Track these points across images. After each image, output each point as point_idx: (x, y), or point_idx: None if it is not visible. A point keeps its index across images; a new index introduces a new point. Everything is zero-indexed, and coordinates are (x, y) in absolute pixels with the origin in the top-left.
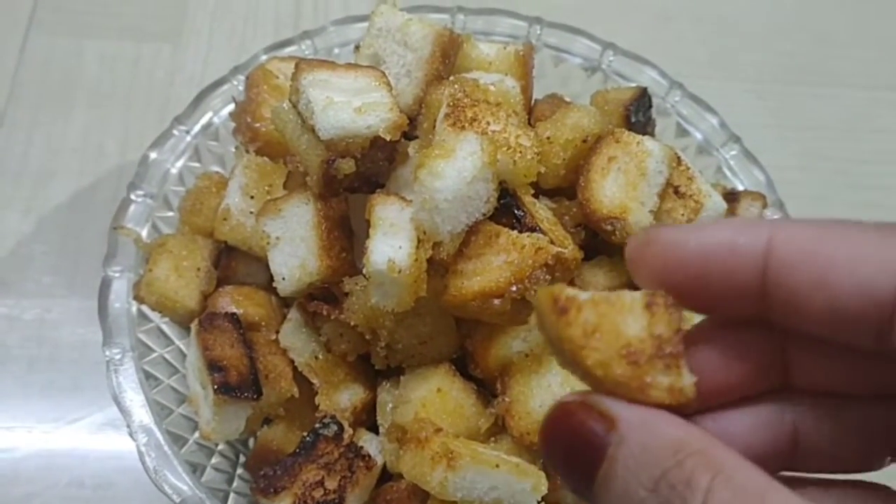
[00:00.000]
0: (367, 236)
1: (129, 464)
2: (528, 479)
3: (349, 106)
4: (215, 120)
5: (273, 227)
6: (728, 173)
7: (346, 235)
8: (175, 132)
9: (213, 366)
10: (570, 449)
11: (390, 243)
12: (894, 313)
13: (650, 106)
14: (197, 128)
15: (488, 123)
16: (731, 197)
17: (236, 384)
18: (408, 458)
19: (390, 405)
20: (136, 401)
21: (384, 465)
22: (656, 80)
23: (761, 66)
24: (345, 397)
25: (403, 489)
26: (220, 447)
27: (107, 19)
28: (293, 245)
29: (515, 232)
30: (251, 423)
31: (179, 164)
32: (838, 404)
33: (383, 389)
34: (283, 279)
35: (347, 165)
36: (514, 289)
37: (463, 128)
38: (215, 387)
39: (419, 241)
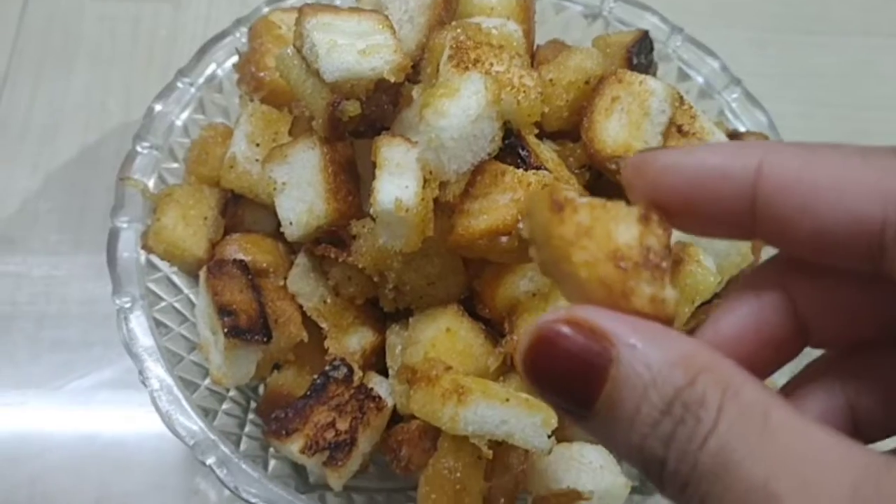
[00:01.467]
0: (374, 179)
1: (140, 419)
2: (539, 413)
3: (353, 48)
4: (219, 72)
5: (279, 173)
6: (730, 116)
7: (352, 179)
8: (179, 84)
9: (223, 310)
10: (565, 373)
11: (397, 183)
12: (883, 237)
13: (651, 49)
14: (201, 80)
15: (491, 64)
16: (734, 138)
17: (246, 327)
18: (418, 396)
19: (399, 347)
20: (147, 348)
21: (394, 408)
22: (657, 26)
23: (762, 15)
24: (354, 341)
25: (414, 429)
26: (231, 393)
27: None
28: (300, 190)
29: (521, 170)
30: (261, 369)
31: (184, 116)
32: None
33: (392, 332)
34: (291, 224)
35: (353, 107)
36: (521, 226)
37: (466, 69)
38: (226, 330)
39: (425, 180)
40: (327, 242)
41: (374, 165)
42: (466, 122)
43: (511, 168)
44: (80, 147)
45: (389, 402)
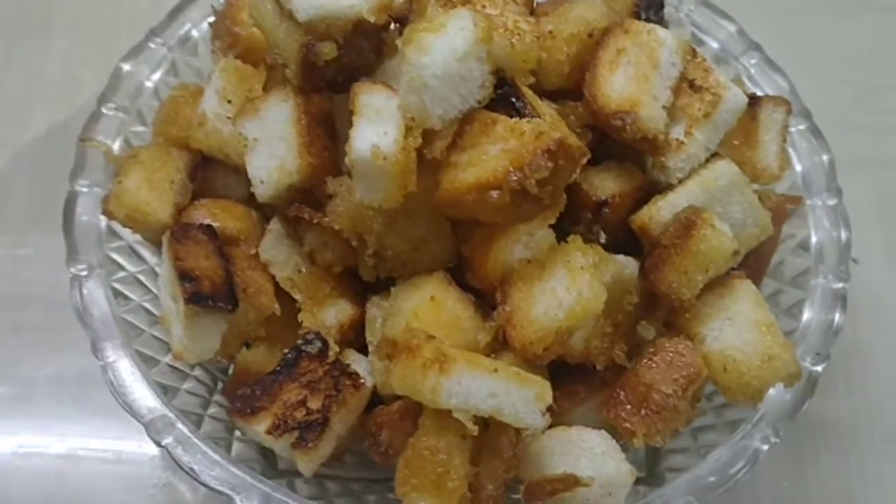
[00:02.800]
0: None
1: (109, 414)
2: (531, 386)
3: None
4: (194, 33)
5: (251, 129)
6: (748, 83)
7: (328, 134)
8: (151, 45)
9: (185, 276)
10: None
11: (375, 129)
12: None
13: (662, 6)
14: (173, 40)
15: (483, 6)
16: (752, 102)
17: (209, 293)
18: (398, 369)
19: (380, 320)
20: (101, 317)
21: (374, 389)
22: None
23: None
24: (331, 314)
25: (395, 411)
26: (196, 373)
27: None
28: (271, 146)
29: (514, 119)
30: (229, 347)
31: (155, 77)
32: None
33: (373, 304)
34: (262, 182)
35: (329, 49)
36: (513, 177)
37: (455, 7)
38: (186, 297)
39: (407, 128)
40: (301, 203)
41: (351, 115)
42: (452, 59)
43: (503, 117)
44: (51, 124)
45: (368, 382)
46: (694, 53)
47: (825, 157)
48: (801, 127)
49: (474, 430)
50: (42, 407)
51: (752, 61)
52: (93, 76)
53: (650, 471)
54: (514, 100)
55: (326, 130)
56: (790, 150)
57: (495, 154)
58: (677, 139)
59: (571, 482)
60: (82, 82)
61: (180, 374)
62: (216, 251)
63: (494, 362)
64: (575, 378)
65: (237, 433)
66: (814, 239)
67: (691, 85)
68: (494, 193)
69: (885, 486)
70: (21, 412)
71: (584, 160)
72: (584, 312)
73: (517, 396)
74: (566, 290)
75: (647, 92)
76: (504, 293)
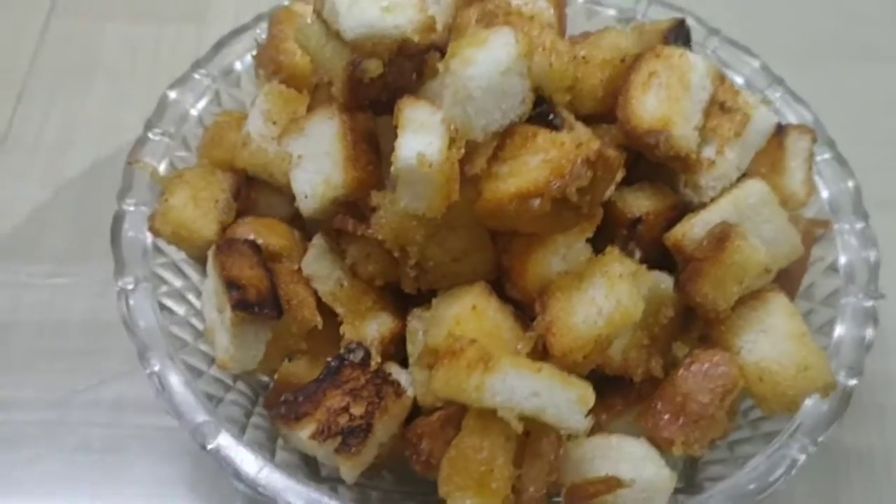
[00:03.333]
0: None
1: (140, 429)
2: (574, 388)
3: (376, 4)
4: (237, 65)
5: (296, 146)
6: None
7: (373, 150)
8: (195, 76)
9: (231, 284)
10: None
11: (420, 140)
12: None
13: (689, 38)
14: (217, 71)
15: (524, 27)
16: (779, 130)
17: (255, 301)
18: (441, 373)
19: (421, 333)
20: (148, 328)
21: (415, 403)
22: (694, 27)
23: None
24: (372, 327)
25: (435, 420)
26: (238, 386)
27: (128, 4)
28: (316, 161)
29: (554, 132)
30: (271, 361)
31: (200, 105)
32: None
33: (413, 317)
34: (306, 197)
35: (374, 66)
36: (554, 185)
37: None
38: (233, 304)
39: (451, 140)
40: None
41: (395, 130)
42: (495, 72)
43: (543, 130)
44: (93, 161)
45: (409, 392)
46: (723, 79)
47: (850, 184)
48: (826, 156)
49: (519, 427)
50: (77, 430)
51: (777, 94)
52: (133, 117)
53: (688, 481)
54: (551, 117)
55: (371, 147)
56: (816, 178)
57: (536, 165)
58: (709, 158)
59: (613, 484)
60: (122, 123)
61: (223, 385)
62: (260, 263)
63: (538, 363)
64: (613, 391)
65: (280, 443)
66: (843, 260)
67: (721, 107)
68: (535, 202)
69: None
70: (56, 436)
71: (621, 172)
72: (623, 320)
73: (560, 397)
74: (605, 298)
75: (678, 113)
76: (543, 304)
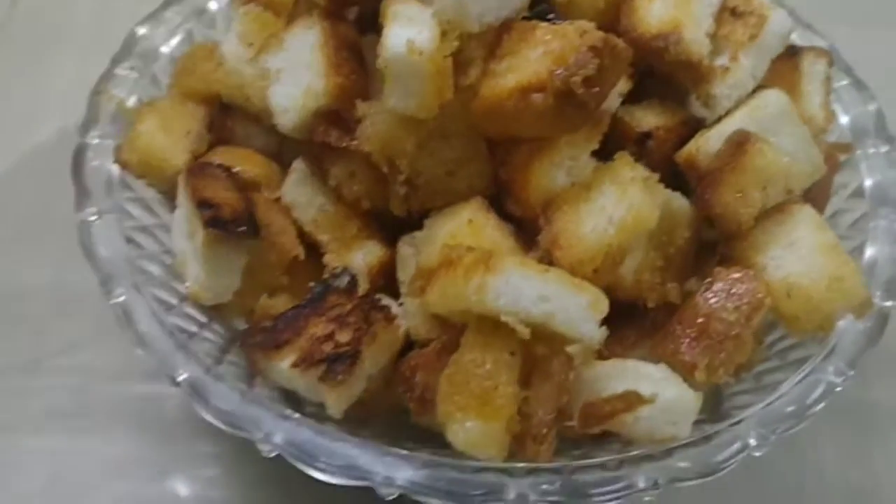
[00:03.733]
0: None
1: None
2: (585, 293)
3: None
4: (212, 5)
5: (275, 61)
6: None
7: (357, 61)
8: (167, 13)
9: (204, 203)
10: None
11: (409, 30)
12: None
13: None
14: (190, 9)
15: None
16: (792, 51)
17: (230, 218)
18: (436, 286)
19: (413, 258)
20: (111, 258)
21: (407, 337)
22: None
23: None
24: (358, 257)
25: (431, 351)
26: (213, 326)
27: None
28: (297, 74)
29: (554, 23)
30: (249, 298)
31: (172, 43)
32: None
33: (404, 243)
34: (286, 110)
35: None
36: (557, 73)
37: None
38: (205, 221)
39: (443, 33)
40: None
41: (380, 27)
42: None
43: (543, 23)
44: (60, 131)
45: (401, 324)
46: None
47: (871, 107)
48: (845, 82)
49: (526, 333)
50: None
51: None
52: None
53: (713, 414)
54: (551, 16)
55: (354, 57)
56: (835, 105)
57: (537, 57)
58: (722, 65)
59: (633, 400)
60: None
61: (196, 322)
62: (235, 186)
63: (544, 265)
64: (625, 323)
65: (257, 381)
66: (868, 183)
67: (733, 12)
68: (538, 96)
69: None
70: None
71: (629, 84)
72: (636, 224)
73: (570, 302)
74: (616, 204)
75: (687, 14)
76: (548, 217)
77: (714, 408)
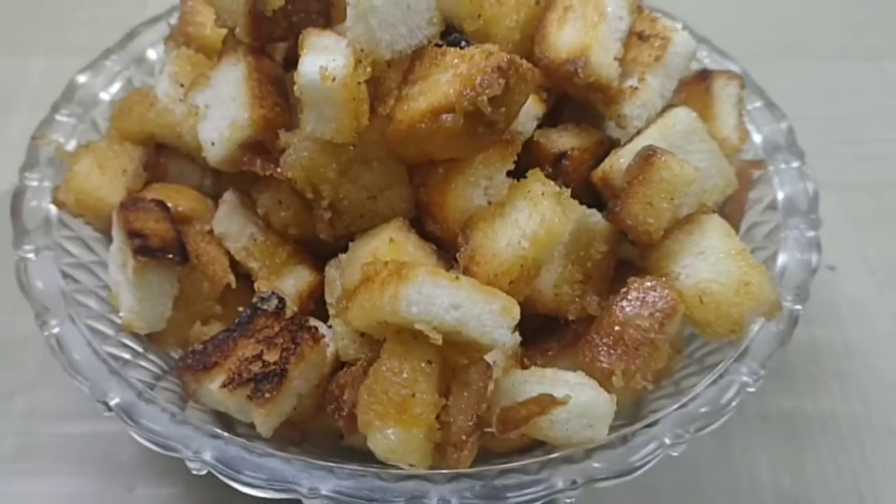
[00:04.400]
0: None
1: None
2: (496, 299)
3: None
4: (150, 54)
5: (202, 97)
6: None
7: (280, 94)
8: (106, 62)
9: (134, 234)
10: None
11: (323, 57)
12: None
13: None
14: (129, 58)
15: None
16: (704, 75)
17: (158, 247)
18: (356, 302)
19: (339, 281)
20: (46, 290)
21: (338, 359)
22: None
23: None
24: (289, 282)
25: (358, 368)
26: (149, 355)
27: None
28: (223, 108)
29: (463, 48)
30: (183, 328)
31: (112, 90)
32: None
33: (331, 266)
34: (213, 144)
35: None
36: (466, 94)
37: None
38: (134, 249)
39: (357, 61)
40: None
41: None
42: None
43: (452, 49)
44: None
45: (330, 345)
46: (640, 9)
47: (783, 125)
48: (757, 104)
49: (439, 339)
50: None
51: (704, 53)
52: None
53: (633, 419)
54: (463, 44)
55: (278, 91)
56: (749, 126)
57: (447, 80)
58: (631, 86)
59: (547, 403)
60: None
61: (132, 352)
62: (167, 219)
63: (456, 274)
64: (548, 336)
65: (190, 405)
66: (780, 196)
67: (640, 36)
68: (448, 117)
69: (893, 478)
70: None
71: (543, 108)
72: (548, 237)
73: (482, 308)
74: (528, 217)
75: (596, 40)
76: (466, 236)
77: (636, 414)
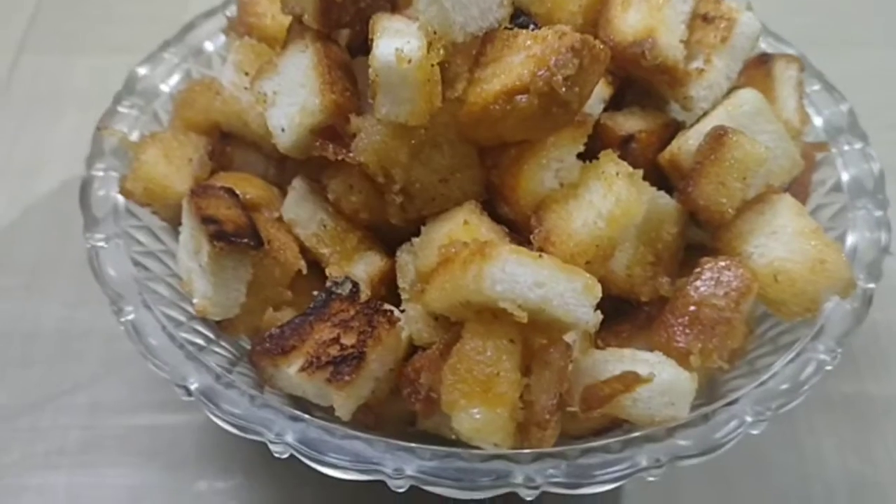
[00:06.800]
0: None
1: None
2: (578, 277)
3: None
4: (208, 46)
5: (270, 85)
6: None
7: (349, 80)
8: (165, 54)
9: (208, 220)
10: None
11: (397, 41)
12: None
13: None
14: (187, 50)
15: None
16: (764, 58)
17: (234, 232)
18: (436, 283)
19: (412, 265)
20: (120, 278)
21: (411, 344)
22: None
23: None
24: (359, 268)
25: (434, 351)
26: (222, 342)
27: (100, 39)
28: (292, 94)
29: (534, 29)
30: (254, 316)
31: (171, 82)
32: None
33: (403, 251)
34: (283, 130)
35: None
36: (540, 74)
37: None
38: (210, 235)
39: (430, 44)
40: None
41: (370, 43)
42: None
43: (523, 31)
44: (63, 181)
45: (404, 333)
46: None
47: (843, 107)
48: (816, 87)
49: (524, 317)
50: (48, 437)
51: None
52: None
53: (709, 399)
54: (531, 27)
55: (347, 76)
56: (809, 109)
57: (520, 61)
58: (697, 68)
59: (631, 380)
60: None
61: (205, 338)
62: (237, 205)
63: (538, 253)
64: (621, 318)
65: (266, 390)
66: (845, 178)
67: (704, 18)
68: (522, 98)
69: None
70: (27, 441)
71: (610, 90)
72: (624, 216)
73: (565, 287)
74: (603, 198)
75: (661, 21)
76: (539, 217)
77: (711, 394)
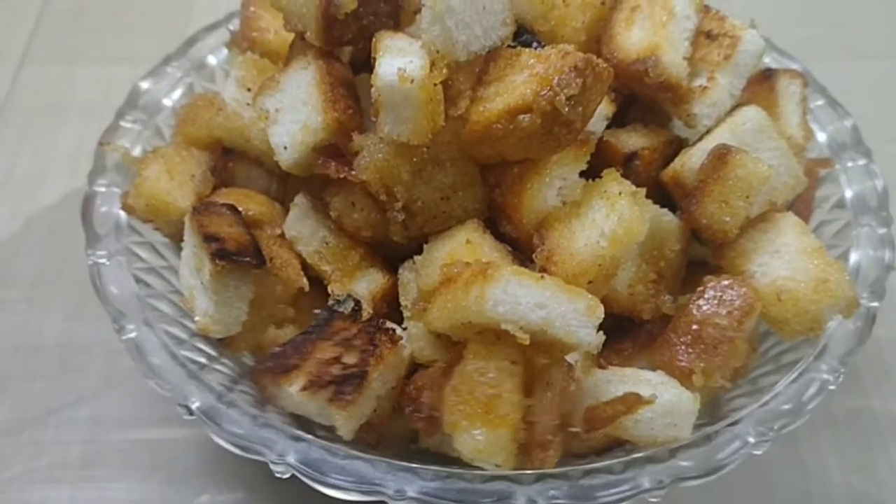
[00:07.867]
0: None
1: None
2: (580, 298)
3: None
4: (211, 60)
5: (272, 102)
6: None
7: (352, 97)
8: (168, 69)
9: (210, 237)
10: None
11: (400, 60)
12: None
13: None
14: (190, 64)
15: None
16: (768, 74)
17: (235, 251)
18: (438, 303)
19: (414, 283)
20: (121, 296)
21: (412, 362)
22: None
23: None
24: (362, 285)
25: (436, 370)
26: (223, 360)
27: (101, 49)
28: (294, 112)
29: (538, 48)
30: (256, 333)
31: (174, 96)
32: None
33: (405, 269)
34: (285, 148)
35: (349, 1)
36: (543, 94)
37: None
38: (211, 253)
39: (432, 63)
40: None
41: (373, 61)
42: None
43: (526, 49)
44: (65, 193)
45: (406, 347)
46: (707, 9)
47: (847, 123)
48: (819, 102)
49: (526, 339)
50: (51, 451)
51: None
52: None
53: (711, 418)
54: (535, 45)
55: (349, 93)
56: (812, 124)
57: (523, 80)
58: (701, 85)
59: (633, 401)
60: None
61: (206, 356)
62: (239, 222)
63: (540, 274)
64: (623, 336)
65: (268, 409)
66: (849, 194)
67: (708, 35)
68: (525, 117)
69: None
70: (30, 455)
71: (613, 107)
72: (627, 236)
73: (567, 308)
74: (606, 217)
75: (665, 39)
76: (542, 236)
77: (713, 413)
